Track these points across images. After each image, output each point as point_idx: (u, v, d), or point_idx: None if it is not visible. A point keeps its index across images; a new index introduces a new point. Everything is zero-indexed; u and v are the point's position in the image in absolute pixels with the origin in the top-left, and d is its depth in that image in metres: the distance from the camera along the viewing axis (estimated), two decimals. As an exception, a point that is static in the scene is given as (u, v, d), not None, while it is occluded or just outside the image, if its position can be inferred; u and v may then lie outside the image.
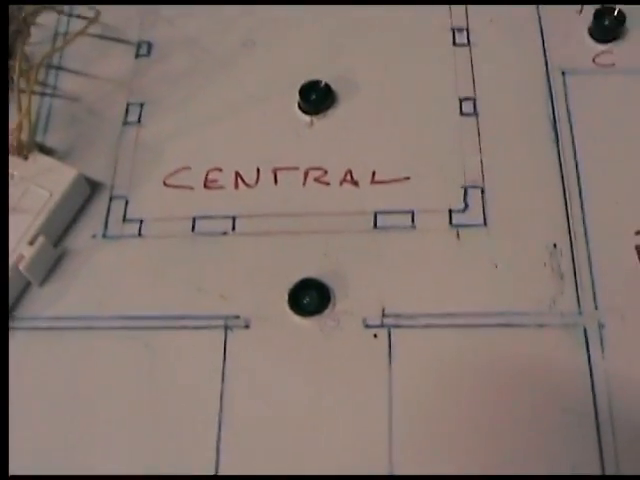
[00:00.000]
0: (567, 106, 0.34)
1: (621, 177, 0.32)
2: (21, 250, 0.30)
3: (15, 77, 0.33)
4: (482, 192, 0.32)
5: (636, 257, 0.30)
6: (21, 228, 0.31)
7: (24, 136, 0.32)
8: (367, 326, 0.29)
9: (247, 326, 0.30)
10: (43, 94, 0.36)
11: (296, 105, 0.34)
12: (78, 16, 0.38)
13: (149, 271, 0.31)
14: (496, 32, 0.36)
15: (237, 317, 0.30)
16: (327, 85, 0.34)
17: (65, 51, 0.37)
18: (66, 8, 0.38)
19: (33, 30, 0.35)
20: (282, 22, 0.37)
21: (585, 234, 0.31)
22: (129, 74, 0.36)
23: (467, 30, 0.36)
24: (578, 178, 0.32)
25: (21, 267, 0.30)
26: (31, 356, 0.30)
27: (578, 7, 0.36)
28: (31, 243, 0.30)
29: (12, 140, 0.32)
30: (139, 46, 0.37)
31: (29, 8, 0.34)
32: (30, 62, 0.35)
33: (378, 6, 0.37)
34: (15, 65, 0.33)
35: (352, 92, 0.34)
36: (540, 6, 0.37)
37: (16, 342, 0.30)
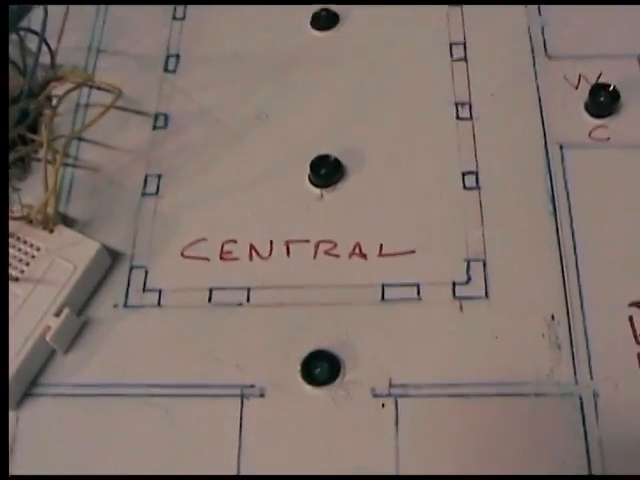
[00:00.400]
0: (564, 179, 0.36)
1: (616, 249, 0.34)
2: (48, 321, 0.33)
3: (42, 152, 0.35)
4: (484, 265, 0.34)
5: (629, 328, 0.33)
6: (47, 300, 0.33)
7: (50, 210, 0.34)
8: (375, 395, 0.32)
9: (262, 395, 0.32)
10: (65, 164, 0.38)
11: (307, 178, 0.37)
12: (98, 88, 0.40)
13: (168, 340, 0.33)
14: (497, 106, 0.38)
15: (252, 386, 0.32)
16: (336, 159, 0.36)
17: (85, 122, 0.39)
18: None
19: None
20: (295, 95, 0.39)
21: (581, 305, 0.33)
22: (147, 145, 0.39)
23: (469, 104, 0.39)
24: (575, 250, 0.34)
25: (48, 338, 0.32)
26: (55, 421, 0.32)
27: (575, 81, 0.39)
28: (57, 315, 0.33)
29: (38, 214, 0.35)
30: (156, 118, 0.40)
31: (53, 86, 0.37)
32: (54, 133, 0.38)
33: (385, 80, 0.39)
34: (43, 142, 0.35)
35: (360, 165, 0.37)
36: (539, 81, 0.39)
37: (41, 408, 0.33)
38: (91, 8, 0.44)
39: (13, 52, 0.40)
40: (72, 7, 0.43)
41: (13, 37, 0.39)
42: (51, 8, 0.39)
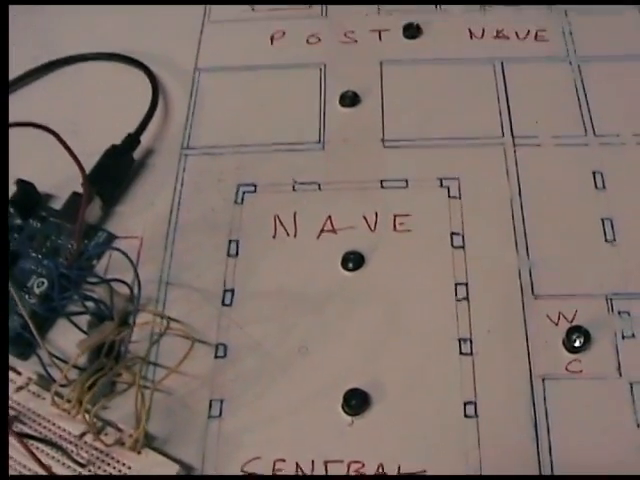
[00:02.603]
0: (545, 408, 0.49)
1: (585, 465, 0.47)
2: (141, 531, 0.46)
3: (137, 392, 0.49)
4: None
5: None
6: (140, 512, 0.46)
7: (140, 435, 0.48)
8: None
9: None
10: (145, 387, 0.52)
11: (340, 407, 0.50)
12: (169, 318, 0.54)
13: None
14: (492, 342, 0.52)
15: None
16: (364, 392, 0.50)
17: (160, 349, 0.53)
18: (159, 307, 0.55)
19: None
20: (329, 330, 0.53)
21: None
22: (210, 373, 0.52)
23: (470, 340, 0.52)
24: (552, 471, 0.47)
25: None
26: None
27: (555, 319, 0.53)
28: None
29: (131, 441, 0.48)
30: (217, 348, 0.53)
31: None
32: (134, 359, 0.52)
33: (402, 317, 0.53)
34: (136, 380, 0.49)
35: (383, 395, 0.50)
36: (527, 318, 0.53)
37: None
38: (160, 242, 0.58)
39: (101, 293, 0.54)
40: (145, 241, 0.57)
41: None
42: (126, 242, 0.53)
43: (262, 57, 0.68)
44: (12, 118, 0.61)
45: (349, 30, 0.69)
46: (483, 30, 0.68)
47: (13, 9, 0.69)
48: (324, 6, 0.71)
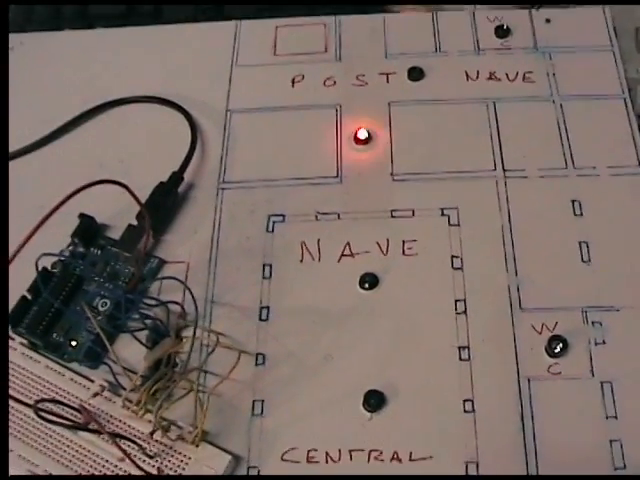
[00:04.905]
0: (530, 406, 0.61)
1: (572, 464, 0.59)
2: (202, 509, 0.58)
3: (195, 397, 0.61)
4: (477, 467, 0.60)
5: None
6: (201, 493, 0.59)
7: (199, 432, 0.60)
8: None
9: None
10: (198, 391, 0.64)
11: (360, 405, 0.62)
12: (211, 331, 0.66)
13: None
14: (486, 349, 0.63)
15: None
16: (381, 393, 0.62)
17: (208, 358, 0.65)
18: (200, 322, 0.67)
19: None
20: (349, 341, 0.64)
21: (540, 494, 0.58)
22: (252, 378, 0.63)
23: (468, 348, 0.64)
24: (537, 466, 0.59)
25: (203, 520, 0.58)
26: None
27: (539, 329, 0.65)
28: (208, 505, 0.58)
29: (190, 437, 0.60)
30: (257, 357, 0.65)
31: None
32: (188, 366, 0.64)
33: (412, 331, 0.65)
34: (193, 387, 0.61)
35: (396, 395, 0.61)
36: (515, 329, 0.65)
37: None
38: (204, 266, 0.70)
39: (157, 312, 0.66)
40: (191, 266, 0.69)
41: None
42: (174, 266, 0.66)
43: (285, 99, 0.79)
44: (69, 157, 0.74)
45: (360, 73, 0.80)
46: (478, 72, 0.79)
47: (63, 57, 0.82)
48: (338, 51, 0.81)
